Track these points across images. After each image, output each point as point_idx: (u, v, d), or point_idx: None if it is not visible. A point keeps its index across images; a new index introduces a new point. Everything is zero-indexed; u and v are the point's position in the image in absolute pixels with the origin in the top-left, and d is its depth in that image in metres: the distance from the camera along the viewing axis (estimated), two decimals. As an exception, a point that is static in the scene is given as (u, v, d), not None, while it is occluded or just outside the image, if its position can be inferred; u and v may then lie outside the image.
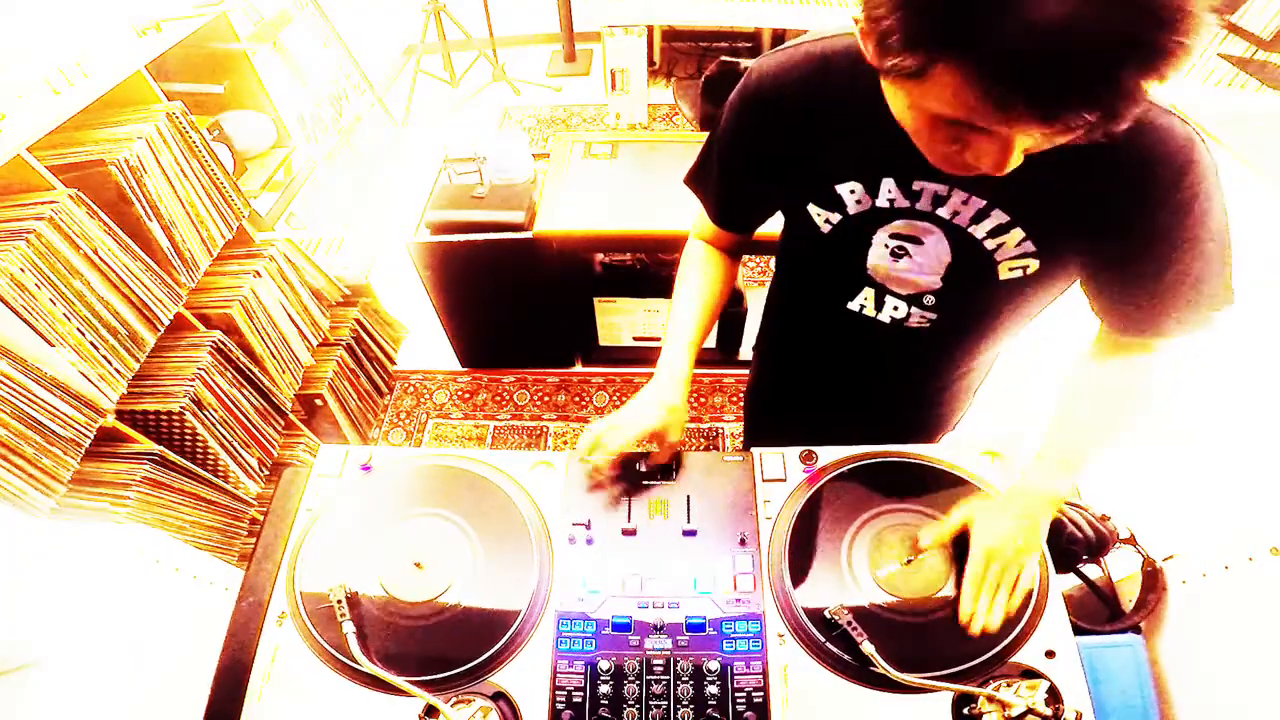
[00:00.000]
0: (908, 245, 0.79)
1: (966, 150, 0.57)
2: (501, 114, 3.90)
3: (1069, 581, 0.87)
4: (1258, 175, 2.98)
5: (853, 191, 0.77)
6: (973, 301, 0.84)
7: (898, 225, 0.78)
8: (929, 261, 0.80)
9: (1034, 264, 0.75)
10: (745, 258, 2.72)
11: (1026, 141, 0.54)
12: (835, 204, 0.79)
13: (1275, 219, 2.75)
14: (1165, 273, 0.71)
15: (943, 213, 0.74)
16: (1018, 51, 0.44)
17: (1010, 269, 0.76)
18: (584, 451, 0.88)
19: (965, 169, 0.59)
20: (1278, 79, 3.21)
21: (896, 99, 0.59)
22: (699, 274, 0.99)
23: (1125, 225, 0.69)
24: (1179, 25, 0.43)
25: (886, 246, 0.81)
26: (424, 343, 2.59)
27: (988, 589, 0.75)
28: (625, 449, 0.87)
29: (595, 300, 2.27)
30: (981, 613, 0.74)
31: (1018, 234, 0.72)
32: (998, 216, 0.72)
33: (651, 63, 3.95)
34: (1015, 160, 0.55)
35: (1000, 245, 0.74)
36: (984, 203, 0.71)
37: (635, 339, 2.39)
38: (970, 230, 0.74)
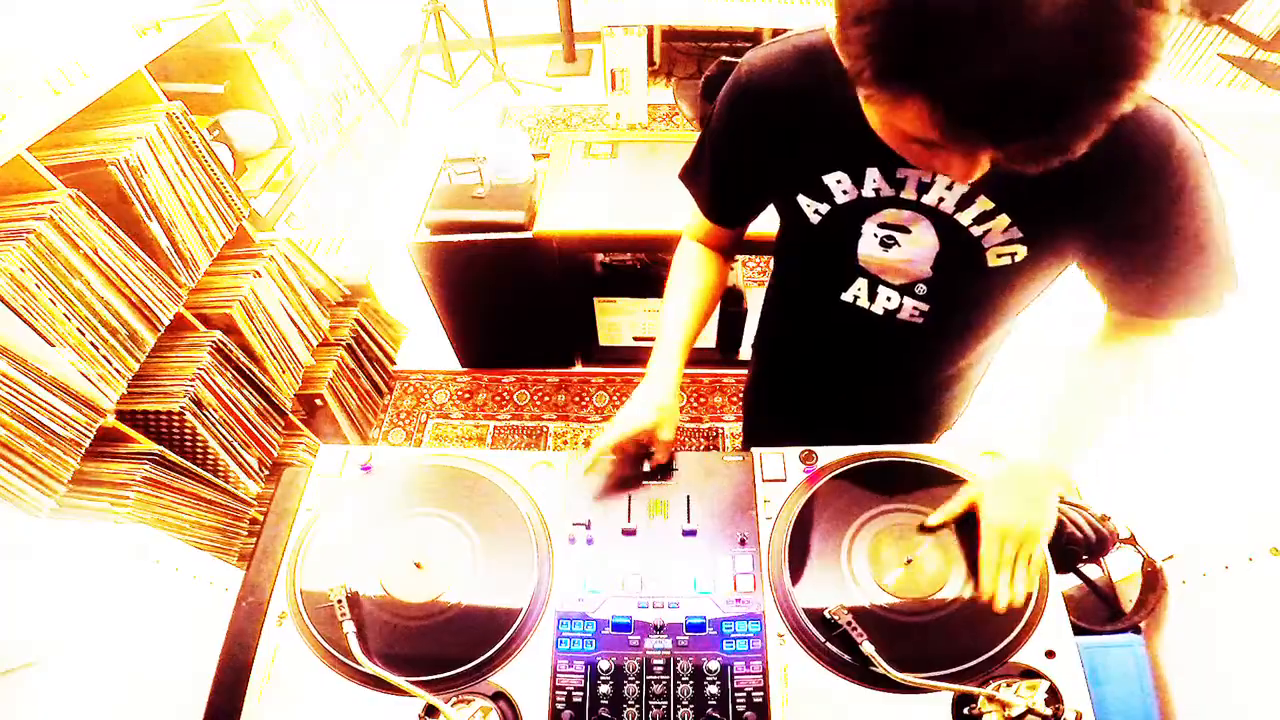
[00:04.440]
0: (896, 234, 0.81)
1: (935, 159, 0.60)
2: (501, 114, 3.90)
3: (1069, 581, 0.86)
4: (1257, 175, 2.98)
5: (839, 181, 0.79)
6: (964, 291, 0.85)
7: (885, 214, 0.80)
8: (918, 250, 0.81)
9: (1022, 250, 0.76)
10: (745, 258, 2.72)
11: (991, 155, 0.56)
12: (823, 194, 0.81)
13: (1274, 219, 2.75)
14: (1164, 256, 0.72)
15: (928, 200, 0.76)
16: (976, 93, 0.47)
17: (999, 255, 0.77)
18: (589, 465, 0.90)
19: (938, 172, 0.62)
20: (1278, 79, 3.21)
21: (871, 114, 0.62)
22: (690, 275, 1.00)
23: (1115, 212, 0.71)
24: (1135, 69, 0.45)
25: (876, 236, 0.83)
26: (424, 343, 2.59)
27: (1005, 566, 0.77)
28: (621, 444, 0.88)
29: (595, 300, 2.27)
30: (1003, 591, 0.76)
31: (1004, 220, 0.74)
32: (983, 203, 0.73)
33: (651, 63, 3.95)
34: (982, 170, 0.58)
35: (987, 231, 0.75)
36: (967, 189, 0.73)
37: (635, 339, 2.39)
38: (956, 217, 0.76)
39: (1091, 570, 0.87)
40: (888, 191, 0.77)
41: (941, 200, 0.75)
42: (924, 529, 0.82)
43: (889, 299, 0.89)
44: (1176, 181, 0.67)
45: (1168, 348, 0.81)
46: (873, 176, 0.76)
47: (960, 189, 0.73)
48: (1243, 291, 0.75)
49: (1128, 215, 0.70)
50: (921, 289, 0.86)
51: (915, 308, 0.88)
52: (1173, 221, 0.70)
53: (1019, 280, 0.81)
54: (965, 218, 0.75)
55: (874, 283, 0.89)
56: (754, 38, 3.98)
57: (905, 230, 0.80)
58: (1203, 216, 0.70)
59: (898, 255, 0.83)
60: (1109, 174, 0.67)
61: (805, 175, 0.81)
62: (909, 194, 0.76)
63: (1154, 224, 0.70)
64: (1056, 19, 0.43)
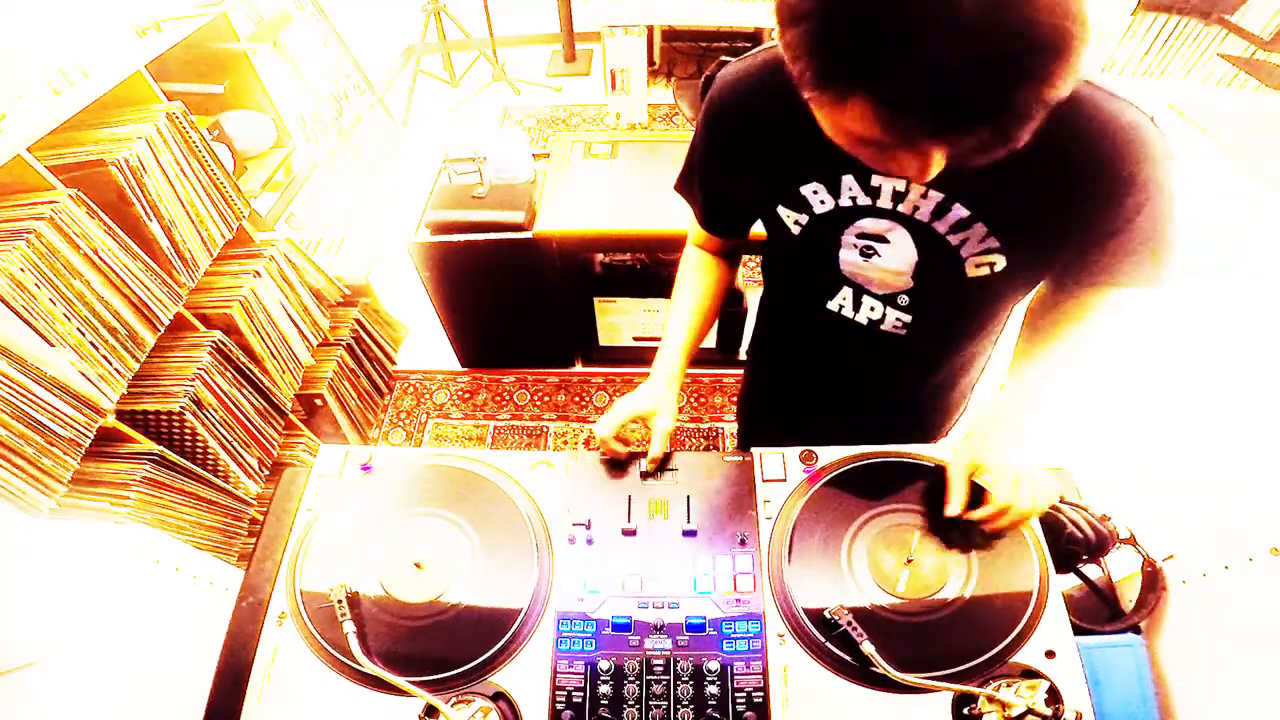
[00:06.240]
0: (875, 244, 0.81)
1: (891, 161, 0.60)
2: (501, 114, 3.90)
3: (1069, 581, 0.86)
4: (1257, 175, 2.97)
5: (816, 192, 0.79)
6: (945, 301, 0.85)
7: (863, 224, 0.80)
8: (898, 260, 0.81)
9: (1000, 260, 0.76)
10: (746, 258, 2.72)
11: (943, 152, 0.57)
12: (802, 205, 0.81)
13: (1273, 217, 2.75)
14: (1126, 239, 0.73)
15: (903, 209, 0.76)
16: (912, 85, 0.48)
17: (977, 265, 0.77)
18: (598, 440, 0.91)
19: (894, 174, 0.63)
20: (1278, 79, 3.21)
21: (821, 119, 0.61)
22: (693, 282, 1.02)
23: (1087, 214, 0.72)
24: (1061, 50, 0.47)
25: (855, 246, 0.83)
26: (424, 343, 2.59)
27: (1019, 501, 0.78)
28: (617, 429, 0.89)
29: (595, 300, 2.27)
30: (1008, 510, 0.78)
31: (980, 228, 0.74)
32: (958, 211, 0.73)
33: (651, 63, 3.95)
34: (936, 168, 0.59)
35: (965, 240, 0.75)
36: (942, 197, 0.73)
37: (635, 339, 2.39)
38: (934, 225, 0.76)
39: (1091, 570, 0.87)
40: (864, 200, 0.77)
41: (917, 209, 0.75)
42: (946, 521, 0.81)
43: (872, 309, 0.90)
44: (1150, 186, 0.68)
45: (1109, 315, 0.82)
46: (849, 185, 0.77)
47: (936, 197, 0.73)
48: (1177, 270, 0.77)
49: (1100, 215, 0.72)
50: (904, 299, 0.86)
51: (898, 318, 0.89)
52: (1140, 214, 0.71)
53: (999, 291, 0.81)
54: (942, 226, 0.75)
55: (859, 292, 0.89)
56: (754, 38, 3.98)
57: (884, 240, 0.80)
58: (1166, 209, 0.71)
59: (878, 265, 0.83)
60: (1081, 178, 0.68)
61: (783, 187, 0.82)
62: (885, 202, 0.76)
63: (1124, 221, 0.71)
64: (981, 5, 0.45)
